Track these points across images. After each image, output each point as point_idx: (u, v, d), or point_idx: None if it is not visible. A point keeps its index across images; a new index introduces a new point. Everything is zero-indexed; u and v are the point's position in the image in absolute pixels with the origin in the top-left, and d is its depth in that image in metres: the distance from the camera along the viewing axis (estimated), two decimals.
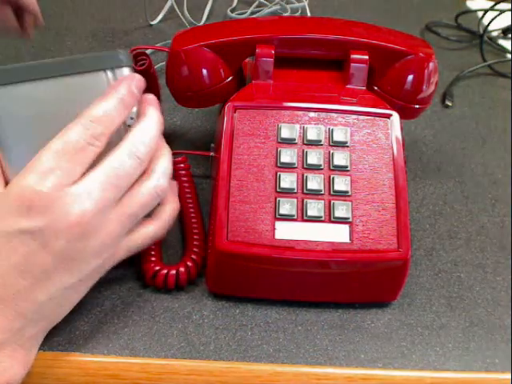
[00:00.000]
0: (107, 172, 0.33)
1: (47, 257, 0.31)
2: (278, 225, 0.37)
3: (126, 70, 0.36)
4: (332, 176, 0.39)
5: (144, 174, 0.35)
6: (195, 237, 0.42)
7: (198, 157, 0.49)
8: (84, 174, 0.32)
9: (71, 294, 0.34)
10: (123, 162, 0.33)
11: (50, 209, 0.31)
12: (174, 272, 0.39)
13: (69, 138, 0.32)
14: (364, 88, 0.44)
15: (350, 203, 0.38)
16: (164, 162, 0.36)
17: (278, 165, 0.39)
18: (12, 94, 0.34)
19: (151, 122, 0.36)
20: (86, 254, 0.33)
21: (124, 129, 0.36)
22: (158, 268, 0.40)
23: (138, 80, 0.36)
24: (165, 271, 0.39)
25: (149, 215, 0.37)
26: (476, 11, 0.74)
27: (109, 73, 0.35)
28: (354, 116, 0.41)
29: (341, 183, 0.38)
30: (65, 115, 0.33)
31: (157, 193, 0.35)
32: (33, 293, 0.31)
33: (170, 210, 0.38)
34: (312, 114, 0.40)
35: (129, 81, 0.35)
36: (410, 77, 0.44)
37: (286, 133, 0.39)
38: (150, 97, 0.37)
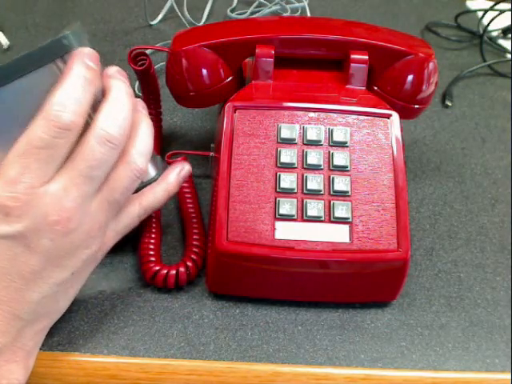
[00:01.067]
0: (78, 165, 0.31)
1: (34, 258, 0.31)
2: (278, 225, 0.37)
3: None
4: (332, 176, 0.39)
5: (121, 156, 0.33)
6: (195, 237, 0.42)
7: (198, 157, 0.49)
8: (62, 168, 0.31)
9: (66, 289, 0.34)
10: (93, 151, 0.31)
11: (27, 212, 0.30)
12: (173, 272, 0.39)
13: (31, 136, 0.30)
14: (364, 88, 0.44)
15: (350, 203, 0.38)
16: (141, 140, 0.34)
17: (278, 165, 0.39)
18: None
19: (118, 98, 0.33)
20: (74, 249, 0.32)
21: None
22: (157, 268, 0.40)
23: (89, 52, 0.32)
24: (165, 271, 0.39)
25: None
26: (476, 11, 0.74)
27: (59, 63, 0.32)
28: (354, 116, 0.41)
29: (341, 183, 0.38)
30: (31, 119, 0.31)
31: (135, 175, 0.34)
32: (25, 293, 0.31)
33: (160, 189, 0.38)
34: (312, 114, 0.40)
35: (79, 56, 0.32)
36: (410, 77, 0.44)
37: (285, 133, 0.39)
38: (113, 69, 0.34)
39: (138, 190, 0.37)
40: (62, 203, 0.31)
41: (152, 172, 0.39)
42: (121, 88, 0.33)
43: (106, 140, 0.31)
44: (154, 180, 0.39)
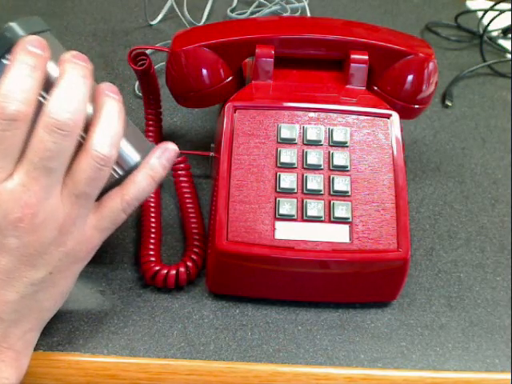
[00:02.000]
0: (31, 158, 0.29)
1: (4, 258, 0.30)
2: (278, 225, 0.37)
3: None
4: (332, 176, 0.39)
5: (82, 144, 0.31)
6: (195, 237, 0.42)
7: (197, 157, 0.49)
8: (18, 163, 0.30)
9: (46, 288, 0.32)
10: (43, 141, 0.29)
11: None
12: (173, 272, 0.39)
13: None
14: (364, 88, 0.44)
15: (350, 203, 0.38)
16: (104, 125, 0.32)
17: (278, 165, 0.39)
18: None
19: (71, 81, 0.30)
20: (44, 246, 0.31)
21: None
22: (157, 268, 0.40)
23: (32, 39, 0.30)
24: (165, 271, 0.39)
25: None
26: (476, 11, 0.74)
27: (8, 57, 0.30)
28: (354, 116, 0.41)
29: (341, 183, 0.38)
30: None
31: (99, 164, 0.31)
32: (2, 294, 0.31)
33: (141, 177, 0.34)
34: (312, 114, 0.40)
35: (21, 44, 0.30)
36: (410, 77, 0.44)
37: (285, 133, 0.39)
38: (68, 54, 0.32)
39: (121, 180, 0.34)
40: (23, 199, 0.29)
41: (135, 158, 0.35)
42: (74, 71, 0.31)
43: (56, 127, 0.29)
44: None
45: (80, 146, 0.31)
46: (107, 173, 0.32)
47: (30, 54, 0.30)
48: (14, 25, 0.30)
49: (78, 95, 0.30)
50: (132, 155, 0.35)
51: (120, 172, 0.34)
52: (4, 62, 0.30)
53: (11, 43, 0.30)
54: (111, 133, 0.32)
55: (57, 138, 0.29)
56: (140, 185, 0.34)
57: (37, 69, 0.30)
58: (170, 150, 0.36)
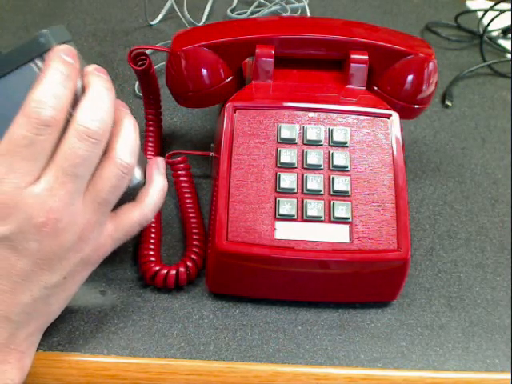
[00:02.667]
0: (60, 163, 0.30)
1: (22, 260, 0.30)
2: (278, 225, 0.37)
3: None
4: (332, 176, 0.39)
5: (106, 153, 0.32)
6: (195, 237, 0.42)
7: (197, 157, 0.49)
8: (46, 168, 0.30)
9: (58, 292, 0.33)
10: (74, 148, 0.30)
11: (12, 215, 0.29)
12: (173, 272, 0.39)
13: (13, 134, 0.29)
14: (364, 88, 0.44)
15: (350, 203, 0.38)
16: (125, 136, 0.33)
17: (278, 165, 0.39)
18: None
19: (98, 93, 0.32)
20: (64, 251, 0.31)
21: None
22: (157, 268, 0.40)
23: (66, 49, 0.32)
24: (165, 271, 0.39)
25: (133, 198, 0.36)
26: (476, 11, 0.74)
27: (38, 62, 0.32)
28: (354, 116, 0.41)
29: (341, 183, 0.38)
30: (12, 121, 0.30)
31: (122, 172, 0.32)
32: (15, 296, 0.31)
33: (154, 191, 0.36)
34: (312, 114, 0.40)
35: (56, 52, 0.31)
36: (410, 77, 0.44)
37: (285, 133, 0.39)
38: (91, 67, 0.34)
39: (129, 195, 0.35)
40: (49, 204, 0.30)
41: (138, 176, 0.36)
42: (100, 83, 0.32)
43: (87, 135, 0.30)
44: (143, 183, 0.37)
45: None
46: (128, 181, 0.33)
47: (64, 62, 0.31)
48: (47, 32, 0.32)
49: (105, 106, 0.32)
50: (138, 173, 0.36)
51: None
52: (32, 66, 0.32)
53: (43, 49, 0.31)
54: (132, 142, 0.33)
55: (87, 145, 0.30)
56: (155, 199, 0.36)
57: (70, 78, 0.31)
58: (161, 163, 0.38)
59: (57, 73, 0.31)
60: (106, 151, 0.32)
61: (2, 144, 0.30)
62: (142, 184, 0.36)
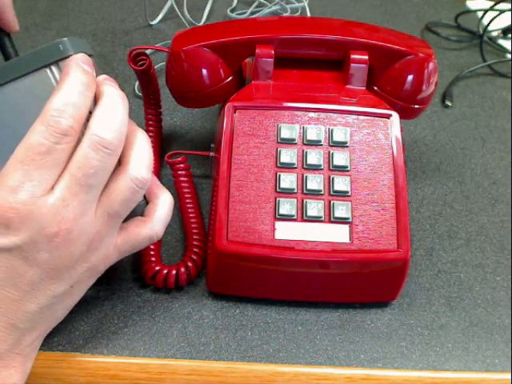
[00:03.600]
0: (74, 173, 0.30)
1: (31, 270, 0.30)
2: (278, 225, 0.37)
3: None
4: (332, 176, 0.39)
5: (119, 165, 0.32)
6: (195, 237, 0.42)
7: (198, 157, 0.49)
8: (59, 177, 0.30)
9: (63, 300, 0.33)
10: (89, 158, 0.30)
11: (26, 224, 0.29)
12: (174, 272, 0.39)
13: (31, 141, 0.29)
14: (364, 88, 0.44)
15: (350, 203, 0.38)
16: (139, 149, 0.33)
17: (278, 165, 0.39)
18: None
19: (112, 102, 0.32)
20: (73, 261, 0.31)
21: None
22: (158, 268, 0.40)
23: (83, 57, 0.32)
24: (165, 271, 0.39)
25: (142, 214, 0.36)
26: (476, 11, 0.74)
27: (54, 68, 0.32)
28: (354, 116, 0.41)
29: (341, 183, 0.38)
30: (23, 125, 0.30)
31: (136, 185, 0.32)
32: (23, 304, 0.31)
33: (162, 206, 0.36)
34: (312, 114, 0.40)
35: (75, 61, 0.31)
36: (410, 77, 0.44)
37: (285, 133, 0.39)
38: (101, 77, 0.33)
39: (133, 214, 0.35)
40: (61, 214, 0.30)
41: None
42: (113, 92, 0.32)
43: (101, 146, 0.30)
44: (145, 203, 0.37)
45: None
46: (141, 196, 0.33)
47: (84, 71, 0.31)
48: (66, 40, 0.32)
49: (120, 115, 0.31)
50: None
51: None
52: (47, 71, 0.32)
53: (60, 56, 0.31)
54: (147, 156, 0.33)
55: (102, 155, 0.30)
56: (164, 214, 0.36)
57: (88, 88, 0.31)
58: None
59: (77, 82, 0.30)
60: (121, 163, 0.32)
61: (20, 150, 0.29)
62: (144, 204, 0.36)
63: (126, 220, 0.35)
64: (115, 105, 0.32)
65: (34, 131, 0.29)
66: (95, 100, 0.32)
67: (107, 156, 0.30)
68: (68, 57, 0.32)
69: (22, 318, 0.31)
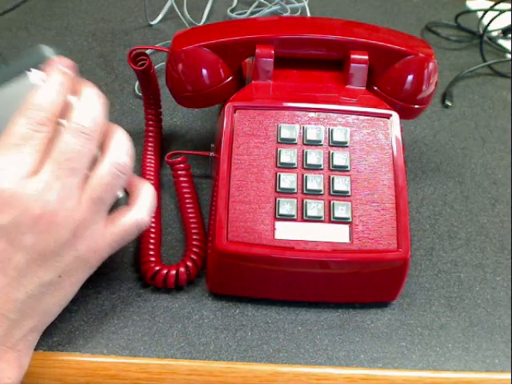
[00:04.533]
0: (57, 158, 0.32)
1: (17, 253, 0.31)
2: (278, 225, 0.37)
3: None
4: (332, 176, 0.39)
5: (102, 153, 0.34)
6: (195, 237, 0.42)
7: (198, 157, 0.49)
8: (41, 163, 0.32)
9: (53, 291, 0.33)
10: (69, 143, 0.32)
11: (10, 206, 0.30)
12: (173, 272, 0.39)
13: (14, 130, 0.31)
14: (364, 88, 0.44)
15: (350, 203, 0.38)
16: (118, 139, 0.35)
17: (278, 165, 0.39)
18: None
19: (91, 97, 0.34)
20: (58, 247, 0.32)
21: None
22: (157, 268, 0.40)
23: (63, 60, 0.35)
24: (165, 271, 0.39)
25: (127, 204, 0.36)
26: (476, 11, 0.74)
27: (28, 73, 0.35)
28: (354, 116, 0.41)
29: (341, 183, 0.38)
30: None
31: (118, 170, 0.34)
32: (10, 292, 0.31)
33: (145, 194, 0.37)
34: (312, 114, 0.40)
35: (56, 63, 0.35)
36: (410, 77, 0.44)
37: (285, 133, 0.39)
38: (84, 81, 0.36)
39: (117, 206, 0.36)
40: (45, 197, 0.31)
41: (120, 193, 0.36)
42: (91, 91, 0.35)
43: (80, 132, 0.32)
44: (125, 199, 0.37)
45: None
46: (123, 182, 0.35)
47: (62, 73, 0.34)
48: (45, 46, 0.35)
49: (97, 107, 0.34)
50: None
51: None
52: (28, 73, 0.34)
53: (41, 60, 0.35)
54: (127, 144, 0.35)
55: (81, 141, 0.32)
56: (147, 200, 0.37)
57: (64, 86, 0.34)
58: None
59: (56, 81, 0.33)
60: (102, 150, 0.34)
61: (4, 135, 0.31)
62: (124, 199, 0.37)
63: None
64: (92, 99, 0.34)
65: (16, 121, 0.32)
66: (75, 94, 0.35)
67: (87, 141, 0.33)
68: (46, 60, 0.35)
69: (10, 308, 0.31)
